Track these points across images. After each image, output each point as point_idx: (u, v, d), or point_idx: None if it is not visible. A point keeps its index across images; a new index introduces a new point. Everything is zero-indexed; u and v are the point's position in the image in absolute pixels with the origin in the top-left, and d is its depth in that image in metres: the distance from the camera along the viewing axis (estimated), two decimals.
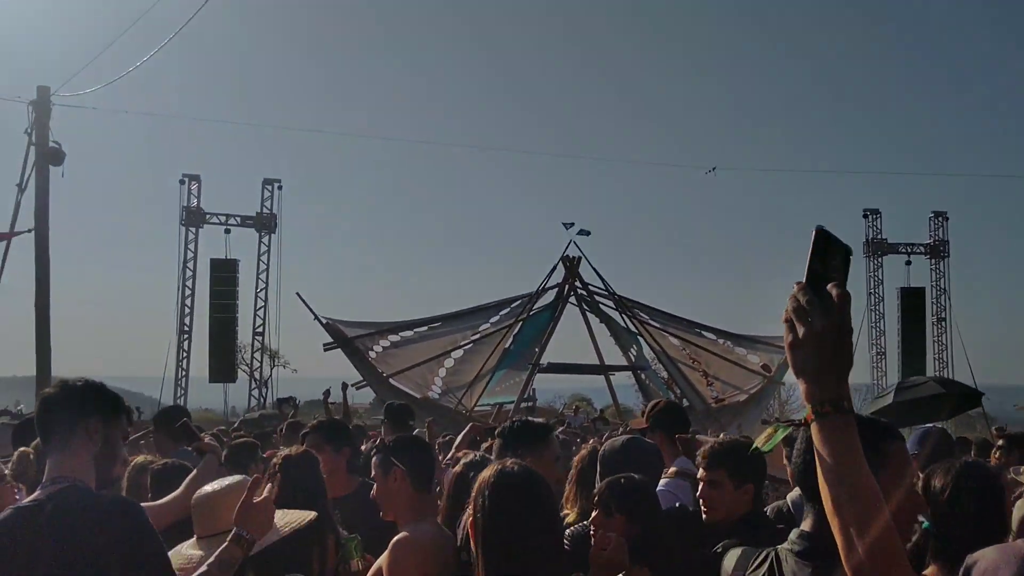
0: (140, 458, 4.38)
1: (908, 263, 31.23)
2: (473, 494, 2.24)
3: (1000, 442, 5.47)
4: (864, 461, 1.33)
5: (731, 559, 2.07)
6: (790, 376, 25.47)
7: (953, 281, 31.85)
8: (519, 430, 3.40)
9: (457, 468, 3.78)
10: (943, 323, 31.34)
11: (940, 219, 31.70)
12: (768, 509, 3.48)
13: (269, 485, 3.03)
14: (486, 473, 2.28)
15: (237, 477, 2.92)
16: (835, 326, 1.33)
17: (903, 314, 30.50)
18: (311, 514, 2.90)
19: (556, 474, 3.18)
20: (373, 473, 3.21)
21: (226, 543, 2.46)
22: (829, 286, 1.35)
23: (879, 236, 31.42)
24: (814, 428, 1.36)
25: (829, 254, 1.39)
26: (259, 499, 2.55)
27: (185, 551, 2.71)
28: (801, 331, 1.35)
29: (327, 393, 9.78)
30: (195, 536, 2.77)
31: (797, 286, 1.37)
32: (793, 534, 1.91)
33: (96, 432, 2.38)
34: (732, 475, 3.11)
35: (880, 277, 31.55)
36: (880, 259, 31.49)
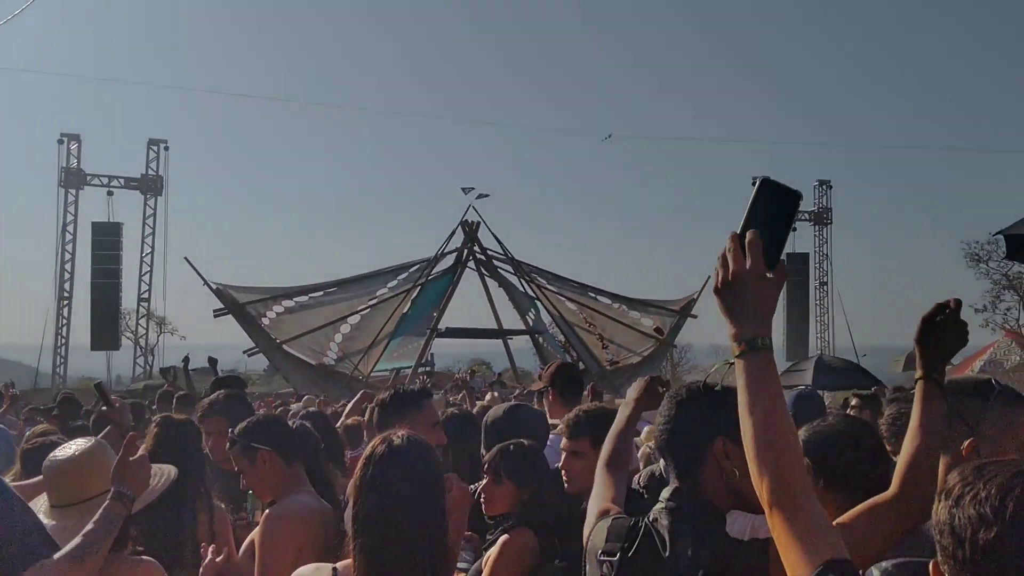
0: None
1: (794, 230, 32.37)
2: (359, 465, 2.16)
3: (853, 402, 5.77)
4: (778, 397, 1.41)
5: (599, 533, 1.95)
6: (681, 338, 26.37)
7: (835, 247, 33.33)
8: (395, 397, 3.35)
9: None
10: (825, 287, 32.86)
11: (824, 187, 33.04)
12: (640, 476, 3.46)
13: (143, 444, 2.94)
14: (374, 443, 2.20)
15: (88, 441, 2.77)
16: (747, 270, 1.43)
17: (788, 279, 31.82)
18: (172, 468, 2.83)
19: (437, 439, 3.11)
20: (234, 462, 3.16)
21: (108, 501, 2.37)
22: (749, 233, 1.44)
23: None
24: (737, 365, 1.45)
25: (771, 205, 1.47)
26: (135, 457, 2.48)
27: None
28: (719, 276, 1.45)
29: (213, 360, 9.43)
30: (48, 504, 2.63)
31: (729, 235, 1.47)
32: (664, 493, 1.88)
33: None
34: (597, 444, 2.79)
35: None
36: None
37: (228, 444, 3.19)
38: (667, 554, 1.81)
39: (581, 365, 20.39)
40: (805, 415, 4.33)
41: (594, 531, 2.00)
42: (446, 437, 3.40)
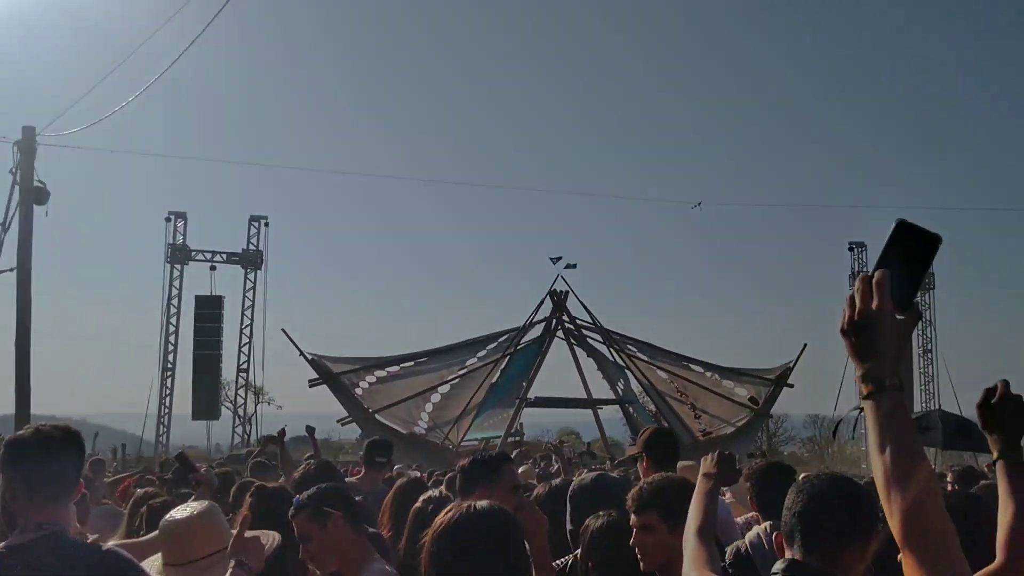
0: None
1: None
2: (431, 536, 2.15)
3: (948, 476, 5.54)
4: (908, 435, 1.38)
5: None
6: (778, 408, 25.54)
7: (939, 312, 32.06)
8: (473, 464, 3.36)
9: (417, 504, 3.75)
10: (929, 355, 31.51)
11: None
12: (727, 551, 3.37)
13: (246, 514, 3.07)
14: (448, 514, 2.19)
15: (202, 504, 2.88)
16: (873, 310, 1.39)
17: None
18: (276, 534, 2.90)
19: (513, 504, 3.06)
20: (299, 530, 2.94)
21: (231, 570, 2.48)
22: (877, 272, 1.41)
23: (864, 268, 31.65)
24: (866, 405, 1.41)
25: (906, 246, 1.44)
26: (252, 534, 2.60)
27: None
28: (846, 315, 1.43)
29: (311, 429, 9.59)
30: (162, 563, 2.73)
31: (860, 276, 1.45)
32: (778, 565, 1.92)
33: (78, 480, 2.42)
34: (664, 517, 2.81)
35: None
36: None
37: (292, 511, 2.97)
38: None
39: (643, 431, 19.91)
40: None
41: None
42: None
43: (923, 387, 31.23)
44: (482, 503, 2.19)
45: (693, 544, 2.32)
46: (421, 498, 3.77)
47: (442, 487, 4.28)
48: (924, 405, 30.74)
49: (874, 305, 1.40)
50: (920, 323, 31.37)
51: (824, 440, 33.54)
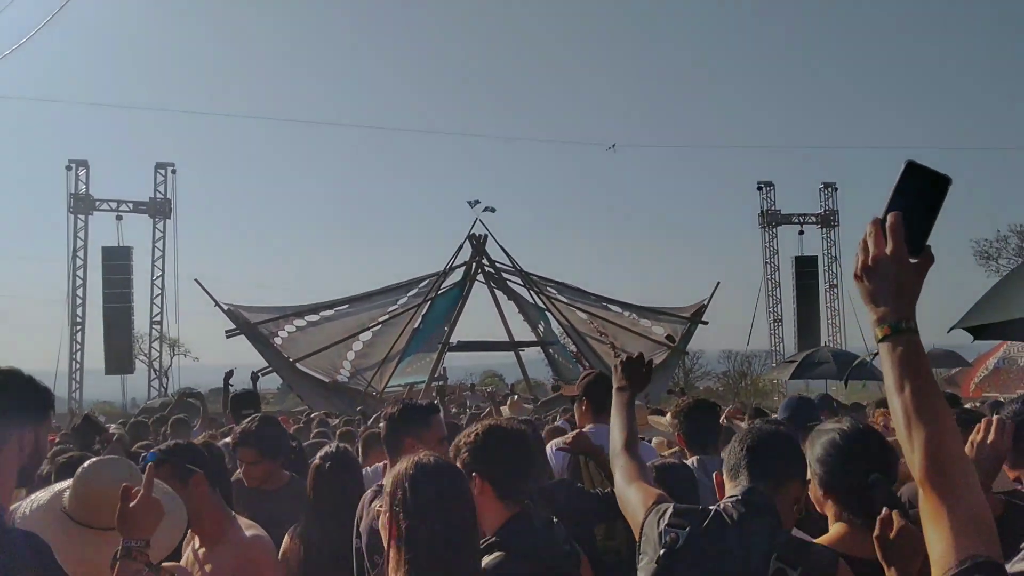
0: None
1: (801, 233, 32.45)
2: (390, 489, 2.15)
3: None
4: (928, 375, 1.38)
5: (660, 514, 2.10)
6: (693, 344, 26.25)
7: (843, 249, 33.26)
8: (404, 414, 3.37)
9: (315, 461, 3.71)
10: (835, 289, 32.76)
11: (830, 190, 32.99)
12: None
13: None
14: (401, 467, 2.20)
15: (123, 465, 2.69)
16: (887, 254, 1.39)
17: (797, 282, 31.69)
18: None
19: (443, 454, 3.12)
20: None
21: (118, 562, 2.23)
22: (890, 216, 1.39)
23: (773, 207, 32.50)
24: (881, 348, 1.40)
25: (916, 188, 1.41)
26: (135, 503, 2.29)
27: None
28: (859, 261, 1.42)
29: (229, 374, 9.45)
30: (67, 513, 2.53)
31: (871, 219, 1.43)
32: (735, 490, 2.13)
33: (29, 443, 2.08)
34: None
35: (775, 247, 32.71)
36: (775, 230, 32.61)
37: (154, 464, 2.80)
38: (738, 533, 2.00)
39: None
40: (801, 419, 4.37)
41: (652, 512, 2.13)
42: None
43: (830, 321, 32.50)
44: (437, 458, 2.21)
45: (623, 459, 2.39)
46: (319, 455, 3.75)
47: (336, 442, 4.23)
48: (830, 339, 32.08)
49: (888, 250, 1.39)
50: (826, 259, 32.61)
51: (737, 375, 34.71)
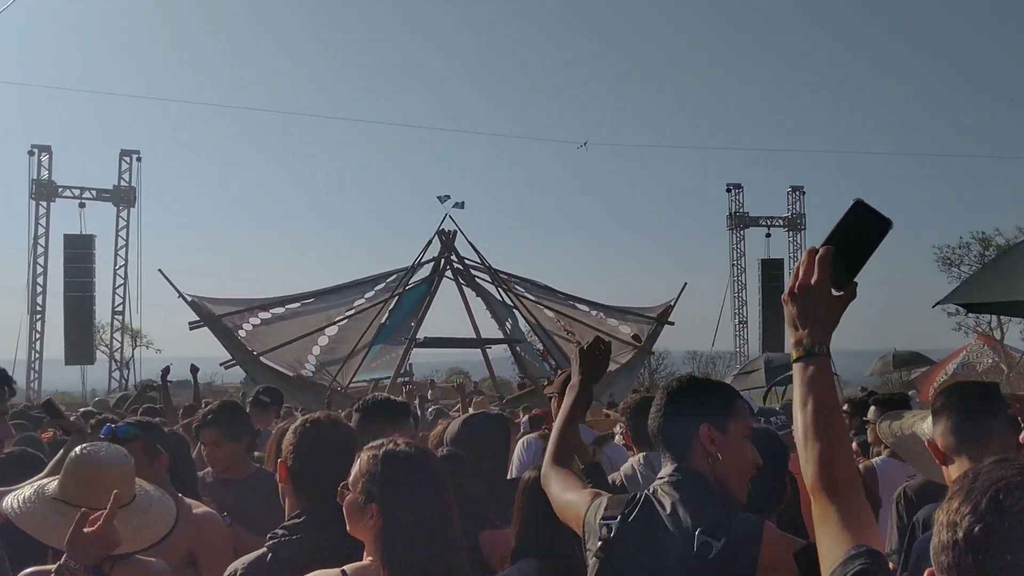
0: None
1: (768, 235, 32.84)
2: (359, 471, 2.13)
3: (844, 407, 5.84)
4: (830, 394, 1.53)
5: (598, 509, 2.15)
6: (659, 345, 26.40)
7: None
8: (378, 407, 3.35)
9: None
10: None
11: (797, 193, 33.39)
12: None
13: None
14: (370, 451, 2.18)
15: (119, 453, 2.68)
16: (812, 284, 1.52)
17: (763, 284, 32.02)
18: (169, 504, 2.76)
19: None
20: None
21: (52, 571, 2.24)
22: (822, 248, 1.53)
23: (741, 210, 32.82)
24: (795, 367, 1.56)
25: (857, 226, 1.52)
26: (91, 529, 2.28)
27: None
28: (789, 285, 1.57)
29: (195, 368, 9.25)
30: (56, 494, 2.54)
31: (808, 249, 1.59)
32: (663, 472, 2.15)
33: None
34: None
35: (742, 249, 33.03)
36: (742, 232, 32.93)
37: (121, 437, 3.05)
38: (667, 514, 2.03)
39: (559, 372, 20.35)
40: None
41: (591, 508, 2.18)
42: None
43: None
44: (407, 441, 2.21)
45: (554, 472, 2.44)
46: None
47: None
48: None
49: (814, 280, 1.52)
50: (793, 262, 32.91)
51: (702, 374, 34.96)
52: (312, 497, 2.37)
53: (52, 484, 2.59)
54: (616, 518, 2.08)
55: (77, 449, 2.62)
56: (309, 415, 2.68)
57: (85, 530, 2.27)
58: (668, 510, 2.05)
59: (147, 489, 2.71)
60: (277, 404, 7.30)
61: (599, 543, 2.07)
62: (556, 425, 2.59)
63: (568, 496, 2.31)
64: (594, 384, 2.67)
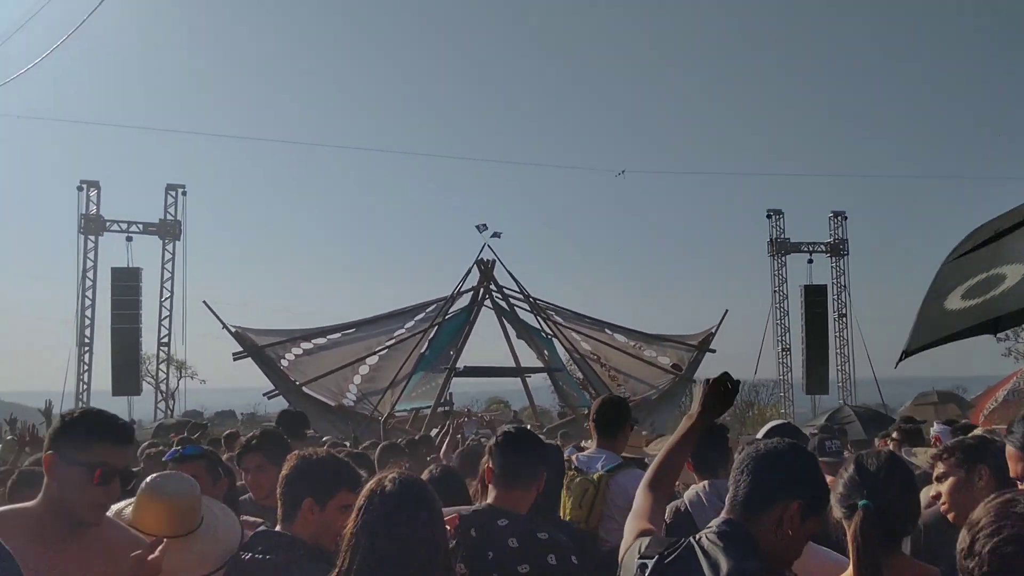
0: None
1: (810, 261, 32.32)
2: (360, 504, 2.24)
3: (894, 434, 5.75)
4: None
5: (638, 547, 2.17)
6: (700, 373, 26.21)
7: (852, 278, 33.13)
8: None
9: None
10: (844, 319, 32.57)
11: (839, 219, 32.95)
12: (666, 510, 3.48)
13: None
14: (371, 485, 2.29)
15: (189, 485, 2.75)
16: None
17: (806, 311, 31.49)
18: (236, 528, 2.82)
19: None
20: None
21: None
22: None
23: (782, 236, 32.45)
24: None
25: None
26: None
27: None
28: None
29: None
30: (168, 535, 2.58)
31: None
32: (716, 520, 2.13)
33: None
34: None
35: (784, 275, 32.59)
36: (784, 258, 32.53)
37: (188, 456, 3.28)
38: (708, 562, 2.01)
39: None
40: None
41: (632, 548, 2.20)
42: None
43: (838, 351, 32.32)
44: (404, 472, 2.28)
45: (640, 495, 2.47)
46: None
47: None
48: (839, 369, 31.91)
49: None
50: (835, 288, 32.48)
51: (744, 404, 34.51)
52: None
53: (128, 509, 2.65)
54: (653, 557, 2.08)
55: (148, 478, 2.69)
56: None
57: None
58: (710, 558, 2.03)
59: (215, 512, 2.75)
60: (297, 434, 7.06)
61: None
62: (661, 451, 2.56)
63: (630, 524, 2.35)
64: (715, 419, 2.59)
